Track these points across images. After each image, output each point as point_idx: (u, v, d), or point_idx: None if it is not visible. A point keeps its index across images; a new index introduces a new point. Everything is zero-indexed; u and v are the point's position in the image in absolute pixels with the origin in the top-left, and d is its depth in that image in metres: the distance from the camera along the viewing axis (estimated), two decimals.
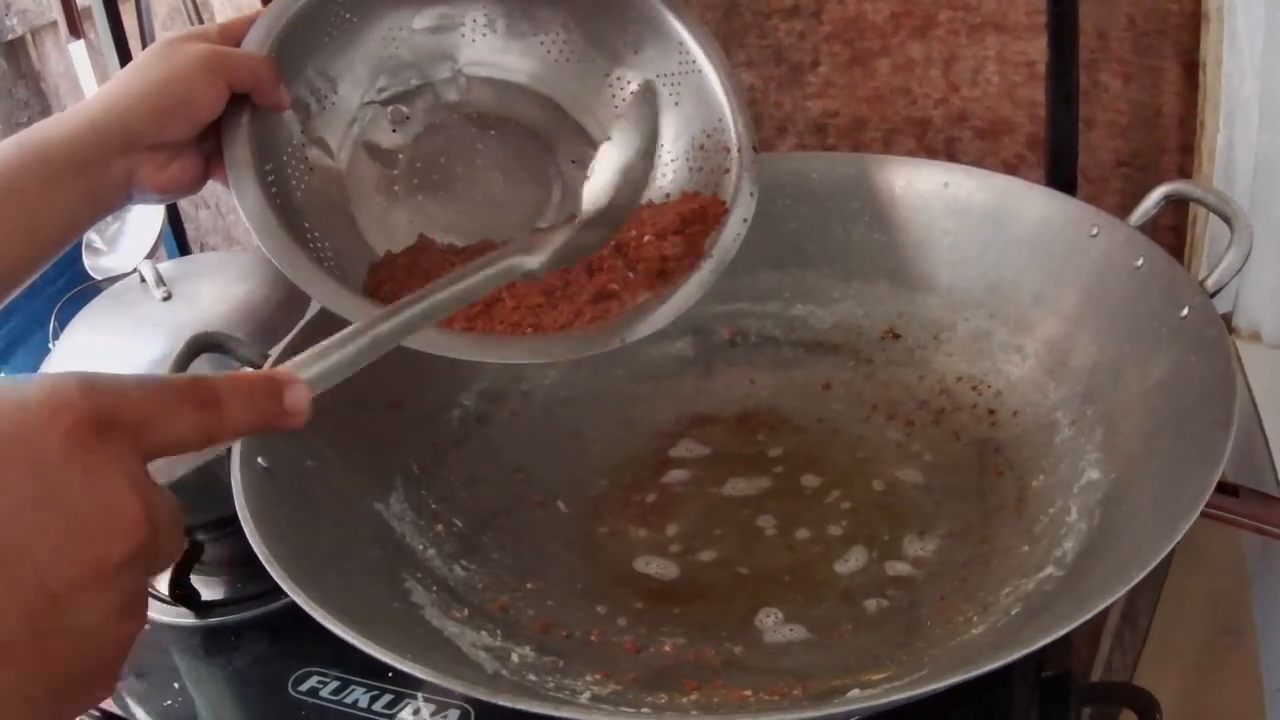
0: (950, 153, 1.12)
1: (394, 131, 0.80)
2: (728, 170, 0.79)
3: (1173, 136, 1.02)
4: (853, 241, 0.94)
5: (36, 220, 0.63)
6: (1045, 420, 0.81)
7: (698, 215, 0.77)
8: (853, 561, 0.76)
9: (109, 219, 1.13)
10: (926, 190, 0.91)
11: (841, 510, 0.81)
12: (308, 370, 0.47)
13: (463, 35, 0.82)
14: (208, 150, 0.70)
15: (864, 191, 0.93)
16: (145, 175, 0.66)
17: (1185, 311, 0.71)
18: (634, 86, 0.82)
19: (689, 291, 0.74)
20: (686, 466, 0.87)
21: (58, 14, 1.37)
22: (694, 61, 0.80)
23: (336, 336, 0.50)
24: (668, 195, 0.80)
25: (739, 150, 0.79)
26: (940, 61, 1.09)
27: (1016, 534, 0.75)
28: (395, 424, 0.83)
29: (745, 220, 0.77)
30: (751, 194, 0.78)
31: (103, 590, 0.37)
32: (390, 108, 0.80)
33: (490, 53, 0.82)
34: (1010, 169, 1.09)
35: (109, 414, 0.38)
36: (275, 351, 0.79)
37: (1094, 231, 0.81)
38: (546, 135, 0.83)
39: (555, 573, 0.78)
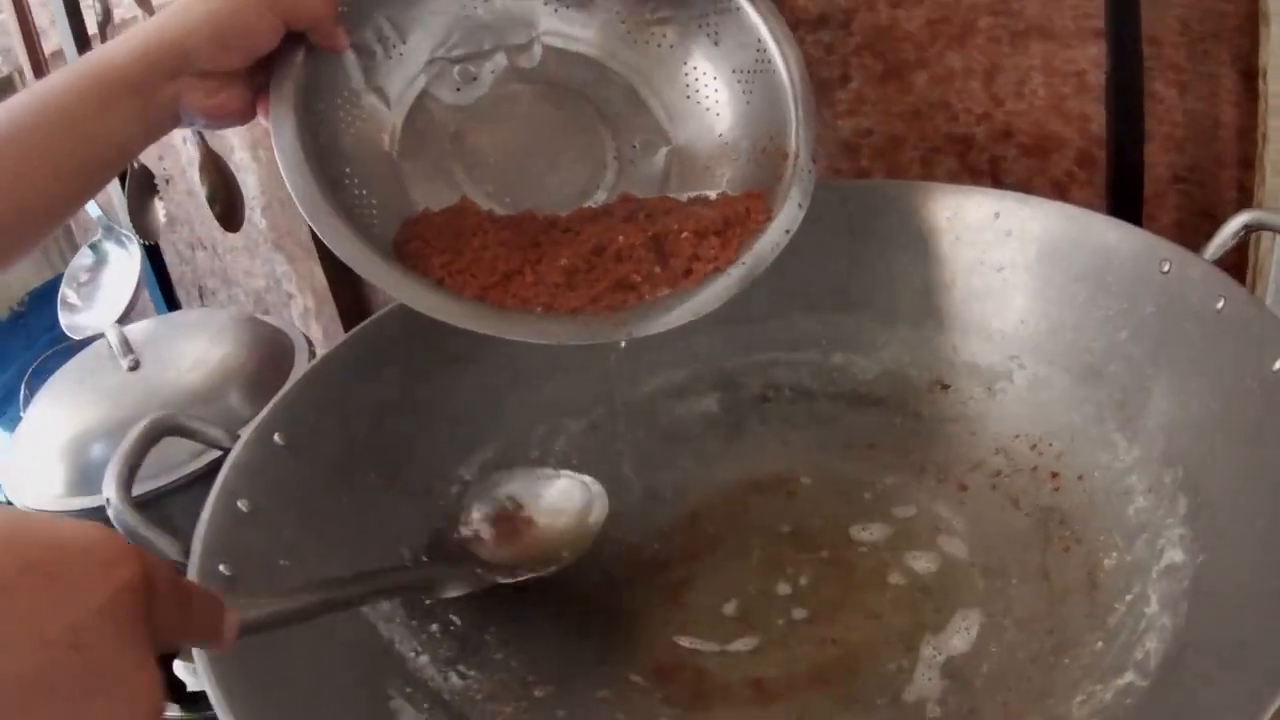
0: (995, 173, 1.05)
1: (458, 90, 0.80)
2: (782, 177, 0.77)
3: (1231, 150, 0.94)
4: (895, 280, 0.86)
5: (93, 142, 0.65)
6: (1117, 486, 0.72)
7: (740, 218, 0.75)
8: (902, 656, 0.68)
9: (84, 272, 1.11)
10: (976, 221, 0.84)
11: (890, 591, 0.73)
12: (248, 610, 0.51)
13: (545, 3, 0.82)
14: (259, 83, 0.71)
15: (907, 223, 0.86)
16: (193, 100, 0.67)
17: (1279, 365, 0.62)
18: (711, 78, 0.82)
19: (711, 296, 0.71)
20: (716, 541, 0.79)
21: (23, 60, 1.30)
22: (770, 61, 0.79)
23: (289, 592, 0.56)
24: (723, 191, 0.79)
25: (796, 157, 0.77)
26: (981, 72, 1.01)
27: (1089, 624, 0.66)
28: (385, 504, 0.75)
29: (788, 232, 0.74)
30: (800, 205, 0.75)
31: None
32: (458, 66, 0.80)
33: (570, 25, 0.83)
34: (1060, 189, 1.01)
35: (149, 586, 0.41)
36: (246, 431, 0.71)
37: (1165, 267, 0.73)
38: (613, 115, 0.83)
39: (568, 675, 0.70)
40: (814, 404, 0.87)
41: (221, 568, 0.62)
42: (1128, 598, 0.66)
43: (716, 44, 0.82)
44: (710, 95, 0.82)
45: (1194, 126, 0.95)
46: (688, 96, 0.83)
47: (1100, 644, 0.64)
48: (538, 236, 0.74)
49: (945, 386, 0.84)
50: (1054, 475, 0.77)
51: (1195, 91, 0.93)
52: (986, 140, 1.04)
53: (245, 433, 0.71)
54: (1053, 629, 0.67)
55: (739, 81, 0.81)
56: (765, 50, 0.79)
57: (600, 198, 0.80)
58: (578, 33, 0.83)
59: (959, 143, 1.05)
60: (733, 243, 0.73)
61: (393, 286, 0.68)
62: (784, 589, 0.74)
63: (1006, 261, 0.82)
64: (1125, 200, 0.87)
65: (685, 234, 0.73)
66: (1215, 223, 0.91)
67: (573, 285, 0.71)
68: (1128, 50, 0.83)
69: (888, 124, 1.07)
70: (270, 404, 0.73)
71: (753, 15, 0.80)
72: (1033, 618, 0.68)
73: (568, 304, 0.70)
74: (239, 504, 0.66)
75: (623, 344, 0.70)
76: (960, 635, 0.68)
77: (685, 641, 0.72)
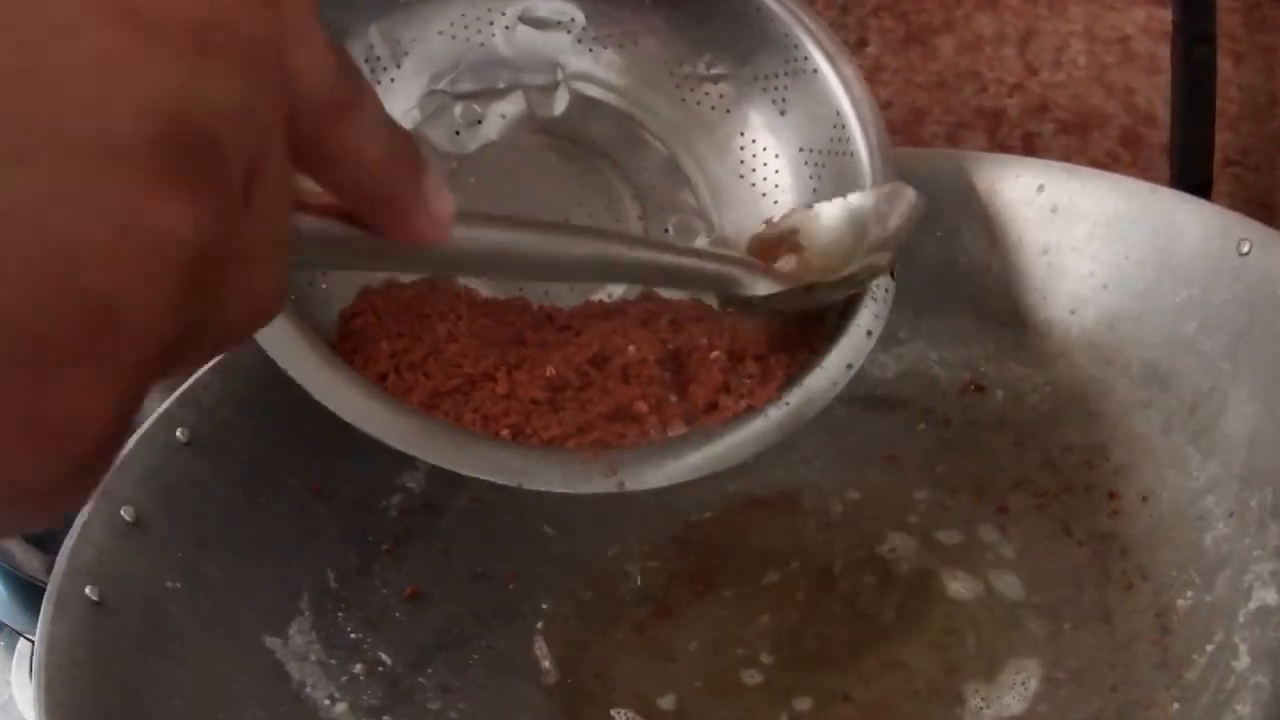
0: (1029, 151, 0.98)
1: (457, 134, 0.67)
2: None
3: None
4: (922, 265, 0.75)
5: None
6: (1189, 510, 0.62)
7: (791, 342, 0.62)
8: (935, 710, 0.58)
9: None
10: (1016, 196, 0.74)
11: (919, 639, 0.62)
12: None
13: (579, 40, 0.70)
14: None
15: (933, 198, 0.73)
16: None
17: None
18: (772, 155, 0.70)
19: (738, 444, 0.57)
20: (709, 575, 0.68)
21: None
22: (849, 141, 0.66)
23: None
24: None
25: None
26: (1015, 38, 0.95)
27: (1162, 681, 0.55)
28: (309, 515, 0.64)
29: (850, 366, 0.60)
30: (870, 334, 0.61)
31: None
32: (461, 104, 0.68)
33: (606, 69, 0.71)
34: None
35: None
36: (143, 424, 0.60)
37: (1245, 249, 0.63)
38: (645, 188, 0.70)
39: None
40: (826, 407, 0.76)
41: (88, 590, 0.51)
42: (1208, 648, 0.55)
43: (783, 113, 0.69)
44: (768, 177, 0.69)
45: (1249, 103, 0.89)
46: (740, 175, 0.70)
47: (1177, 705, 0.54)
48: (523, 331, 0.61)
49: (979, 388, 0.74)
50: (1112, 496, 0.66)
51: (1251, 63, 0.88)
52: (1019, 115, 0.98)
53: (142, 426, 0.60)
54: (1116, 685, 0.57)
55: (806, 164, 0.68)
56: (845, 128, 0.66)
57: (615, 291, 0.67)
58: (614, 80, 0.71)
59: (989, 117, 0.99)
60: (776, 373, 0.60)
61: (312, 382, 0.54)
62: (789, 642, 0.64)
63: (1051, 243, 0.73)
64: (1191, 175, 0.79)
65: (715, 353, 0.59)
66: (1271, 213, 0.83)
67: (556, 406, 0.57)
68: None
69: (909, 95, 1.01)
70: (176, 393, 0.62)
71: (833, 81, 0.67)
72: (1090, 668, 0.58)
73: (545, 431, 0.56)
74: (122, 512, 0.56)
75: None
76: (1005, 693, 0.58)
77: (663, 702, 0.61)
